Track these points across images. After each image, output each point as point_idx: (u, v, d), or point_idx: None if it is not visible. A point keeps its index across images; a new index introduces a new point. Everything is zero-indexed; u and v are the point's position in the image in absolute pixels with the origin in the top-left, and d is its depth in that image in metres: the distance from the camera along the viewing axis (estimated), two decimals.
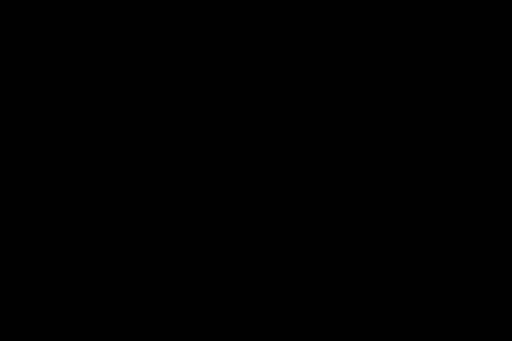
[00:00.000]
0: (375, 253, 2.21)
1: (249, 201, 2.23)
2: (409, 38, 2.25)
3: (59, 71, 2.26)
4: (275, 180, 2.24)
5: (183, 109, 2.26)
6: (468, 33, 2.25)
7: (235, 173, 2.24)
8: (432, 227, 2.21)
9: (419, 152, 2.23)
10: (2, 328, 2.18)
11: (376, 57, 2.25)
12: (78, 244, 2.22)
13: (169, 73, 2.26)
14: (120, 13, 2.26)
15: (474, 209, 2.21)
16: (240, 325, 2.20)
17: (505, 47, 2.24)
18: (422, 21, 2.25)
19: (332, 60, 2.25)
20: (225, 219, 2.23)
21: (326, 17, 2.26)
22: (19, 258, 2.21)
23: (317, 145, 2.24)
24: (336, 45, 2.26)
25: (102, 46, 2.26)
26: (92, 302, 2.20)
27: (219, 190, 2.24)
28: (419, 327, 2.18)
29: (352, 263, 2.21)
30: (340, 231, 2.22)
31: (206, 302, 2.20)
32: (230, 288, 2.21)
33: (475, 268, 2.20)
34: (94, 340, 2.18)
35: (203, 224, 2.23)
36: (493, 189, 2.22)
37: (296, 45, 2.26)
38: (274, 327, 2.19)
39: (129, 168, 2.24)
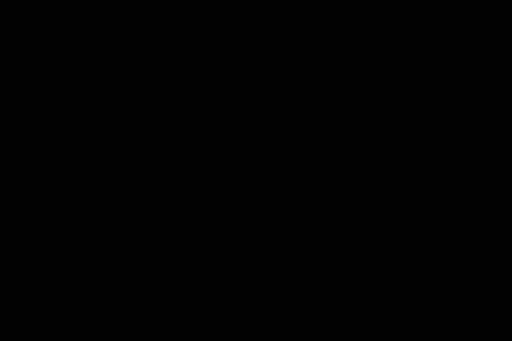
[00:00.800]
0: (375, 253, 2.21)
1: (249, 201, 2.23)
2: (409, 38, 2.25)
3: (59, 71, 2.26)
4: (275, 180, 2.24)
5: (182, 109, 2.26)
6: (468, 33, 2.25)
7: (235, 173, 2.24)
8: (432, 227, 2.21)
9: (419, 152, 2.23)
10: (2, 328, 2.18)
11: (376, 57, 2.26)
12: (78, 244, 2.22)
13: (169, 73, 2.27)
14: (120, 13, 2.27)
15: (474, 209, 2.22)
16: (240, 325, 2.20)
17: (505, 47, 2.24)
18: (422, 21, 2.25)
19: (332, 60, 2.26)
20: (225, 219, 2.23)
21: (326, 17, 2.26)
22: (19, 258, 2.21)
23: (317, 145, 2.24)
24: (335, 45, 2.26)
25: (102, 46, 2.27)
26: (92, 302, 2.20)
27: (219, 189, 2.24)
28: (419, 327, 2.19)
29: (352, 263, 2.21)
30: (340, 231, 2.22)
31: (206, 303, 2.21)
32: (230, 288, 2.21)
33: (475, 268, 2.20)
34: (94, 340, 2.19)
35: (203, 224, 2.23)
36: (493, 189, 2.22)
37: (296, 45, 2.26)
38: (274, 327, 2.19)
39: (129, 167, 2.24)
